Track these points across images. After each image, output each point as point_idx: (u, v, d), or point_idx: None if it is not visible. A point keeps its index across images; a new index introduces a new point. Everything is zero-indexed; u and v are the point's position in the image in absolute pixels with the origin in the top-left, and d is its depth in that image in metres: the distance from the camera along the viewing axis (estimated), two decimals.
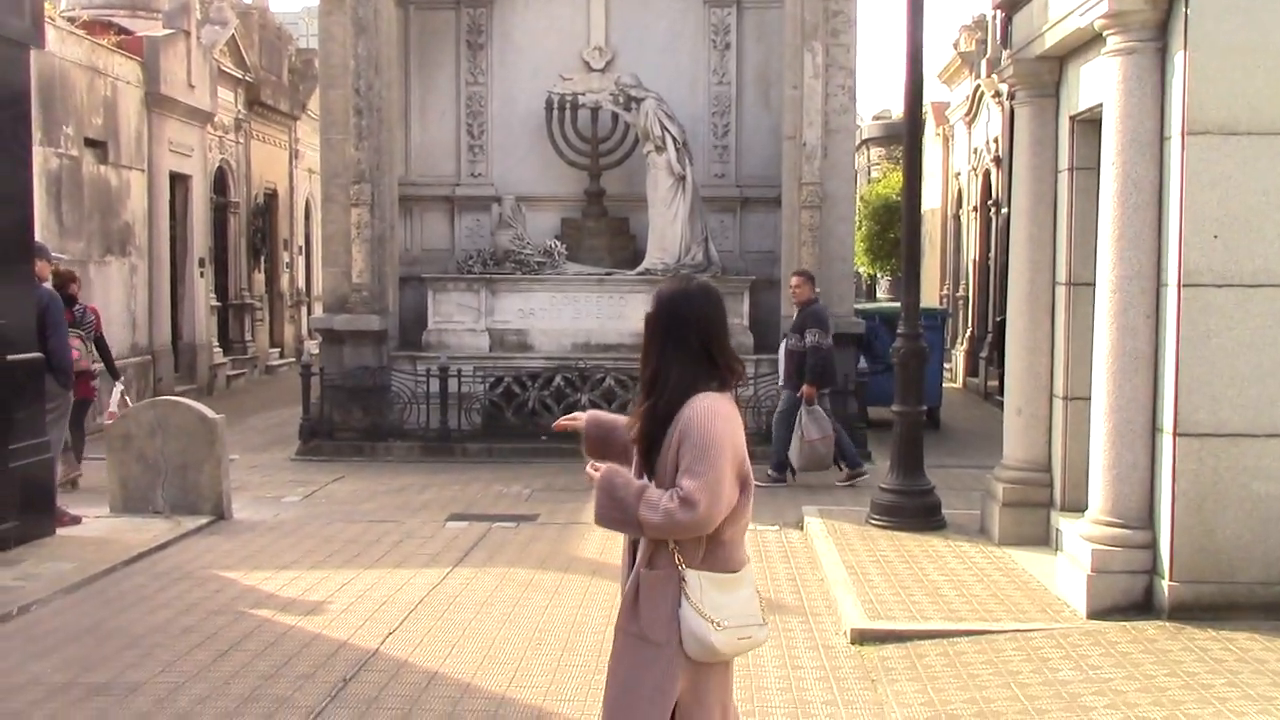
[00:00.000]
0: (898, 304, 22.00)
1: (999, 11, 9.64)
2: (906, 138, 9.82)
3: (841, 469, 11.73)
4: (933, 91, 26.38)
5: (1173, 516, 6.62)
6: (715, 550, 3.51)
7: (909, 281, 9.70)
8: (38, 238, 11.44)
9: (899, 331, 9.66)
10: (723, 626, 3.45)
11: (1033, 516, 8.71)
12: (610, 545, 9.13)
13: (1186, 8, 6.50)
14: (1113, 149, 6.87)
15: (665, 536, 3.45)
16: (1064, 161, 8.48)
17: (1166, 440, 6.67)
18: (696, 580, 3.48)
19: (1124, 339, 6.81)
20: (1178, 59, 6.60)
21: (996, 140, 19.40)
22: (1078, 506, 8.43)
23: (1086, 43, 7.88)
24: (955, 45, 23.21)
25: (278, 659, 6.29)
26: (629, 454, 3.81)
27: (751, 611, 3.55)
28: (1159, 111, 6.77)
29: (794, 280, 11.96)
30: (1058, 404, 8.59)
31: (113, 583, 7.90)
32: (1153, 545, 6.79)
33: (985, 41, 20.95)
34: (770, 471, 11.53)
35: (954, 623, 6.76)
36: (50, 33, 14.12)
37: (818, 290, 12.06)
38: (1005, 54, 9.08)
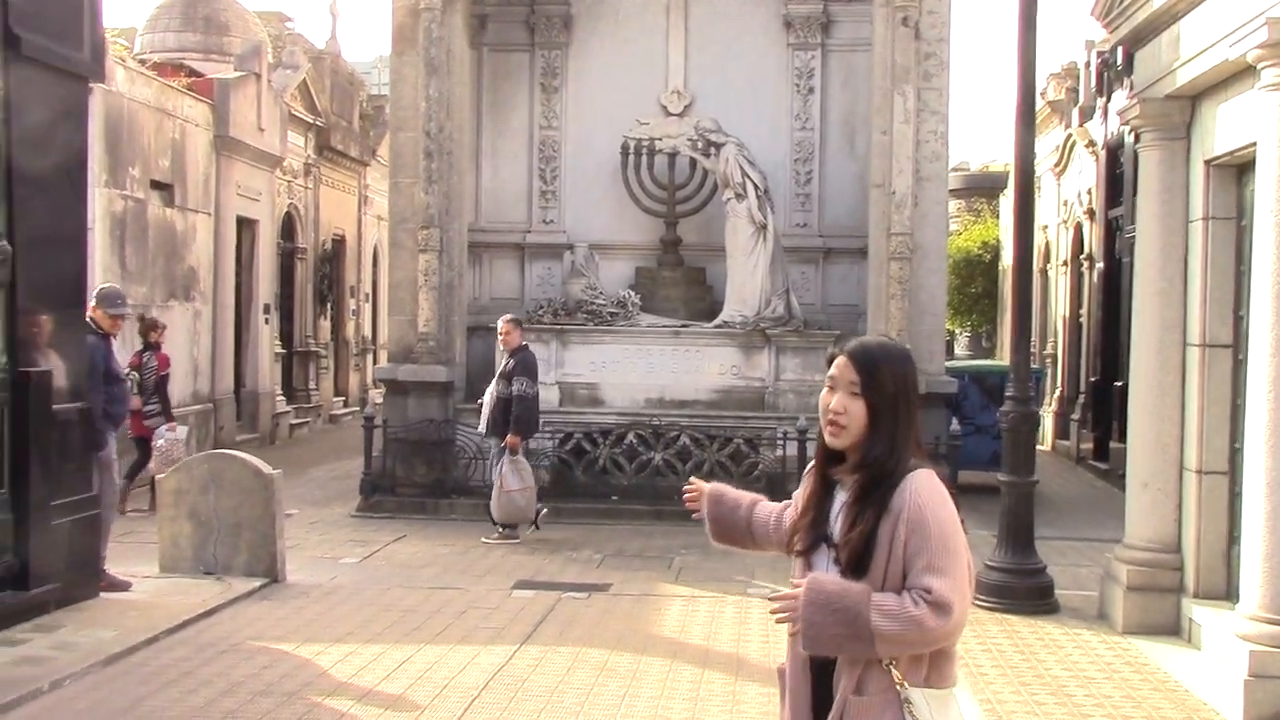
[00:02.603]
0: (988, 362, 21.27)
1: (1120, 49, 8.89)
2: (1017, 187, 9.11)
3: (536, 526, 11.49)
4: None
5: None
6: (939, 663, 2.89)
7: (1019, 340, 8.94)
8: (105, 282, 11.12)
9: (1008, 394, 8.87)
10: None
11: (1161, 603, 7.86)
12: (691, 622, 8.40)
13: None
14: (1272, 196, 6.10)
15: (906, 651, 2.83)
16: (1197, 210, 7.71)
17: None
18: (923, 701, 2.85)
19: None
20: None
21: (1090, 192, 18.54)
22: (1213, 593, 7.62)
23: (1228, 79, 7.13)
24: (1043, 94, 22.39)
25: None
26: (750, 536, 3.31)
27: None
28: None
29: (503, 326, 11.56)
30: (1189, 478, 7.77)
31: (154, 654, 7.30)
32: None
33: (1076, 89, 20.17)
34: (501, 530, 11.38)
35: None
36: (119, 73, 13.88)
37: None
38: (1129, 94, 8.34)
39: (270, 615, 8.35)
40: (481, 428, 11.63)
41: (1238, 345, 7.51)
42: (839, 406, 2.99)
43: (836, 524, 2.98)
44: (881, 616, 2.77)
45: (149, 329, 12.72)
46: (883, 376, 2.96)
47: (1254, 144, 6.87)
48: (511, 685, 6.76)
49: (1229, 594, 7.60)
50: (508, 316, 11.92)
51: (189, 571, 9.29)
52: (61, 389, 8.14)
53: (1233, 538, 7.62)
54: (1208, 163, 7.55)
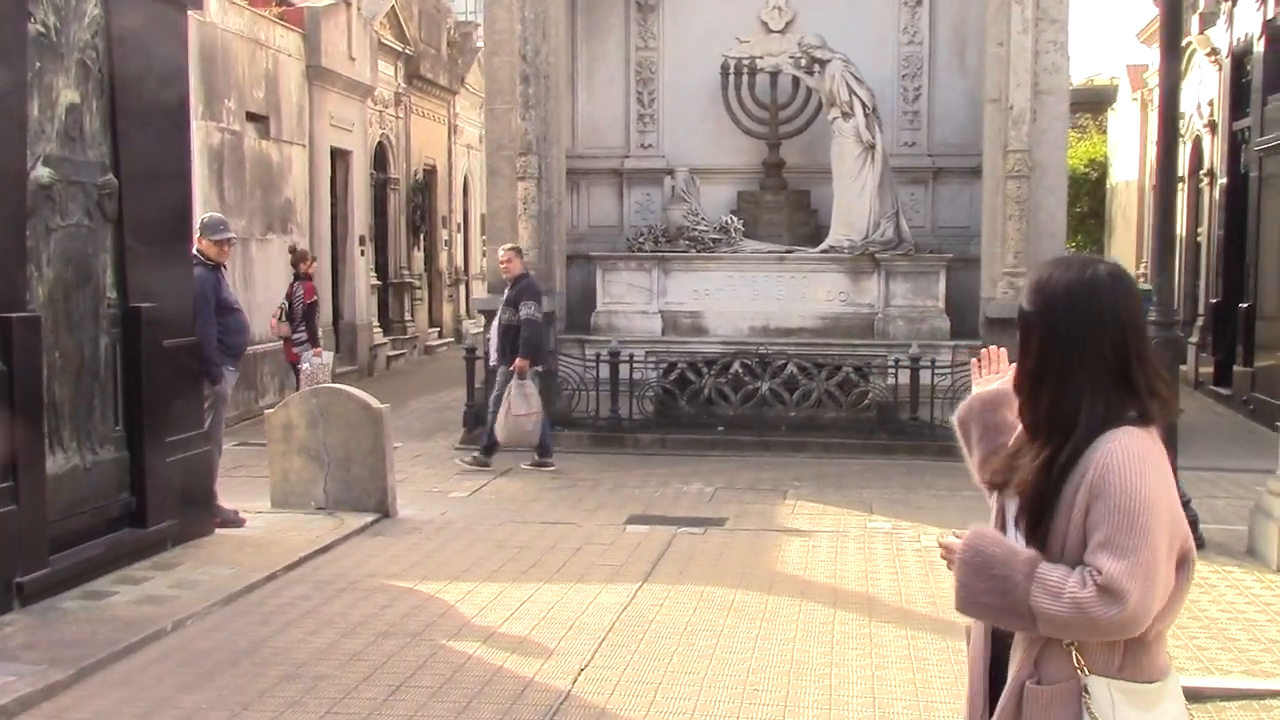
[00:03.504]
0: None
1: None
2: (1163, 88, 8.52)
3: (539, 461, 11.41)
4: (1130, 53, 24.54)
5: None
6: (1135, 651, 2.43)
7: (1161, 262, 8.40)
8: (207, 212, 11.03)
9: (1151, 319, 8.34)
10: None
11: None
12: (814, 559, 8.13)
13: None
14: None
15: (1070, 636, 2.40)
16: None
17: None
18: (1106, 694, 2.40)
19: None
20: None
21: (1211, 103, 17.64)
22: None
23: None
24: (1157, 1, 21.32)
25: (457, 700, 5.44)
26: (987, 454, 2.79)
27: None
28: None
29: (504, 255, 11.58)
30: None
31: (273, 592, 7.20)
32: None
33: None
34: (478, 454, 11.39)
35: (1261, 680, 5.56)
36: (212, 3, 13.68)
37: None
38: None
39: (385, 551, 8.23)
40: (491, 358, 11.58)
41: None
42: None
43: None
44: (1043, 593, 2.34)
45: (299, 259, 13.22)
46: (1031, 295, 2.55)
47: None
48: (639, 626, 6.55)
49: None
50: (508, 245, 11.96)
51: (300, 506, 9.22)
52: (172, 323, 8.01)
53: None
54: None
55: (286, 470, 9.35)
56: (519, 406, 11.08)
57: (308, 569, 7.73)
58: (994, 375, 2.87)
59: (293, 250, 13.63)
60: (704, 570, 7.80)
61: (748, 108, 14.17)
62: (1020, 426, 2.66)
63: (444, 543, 8.55)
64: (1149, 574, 2.31)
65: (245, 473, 10.66)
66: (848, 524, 9.23)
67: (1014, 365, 2.65)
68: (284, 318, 12.73)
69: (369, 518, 9.03)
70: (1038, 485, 2.46)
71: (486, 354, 11.82)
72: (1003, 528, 2.61)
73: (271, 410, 9.73)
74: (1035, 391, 2.53)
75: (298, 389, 12.46)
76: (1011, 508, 2.61)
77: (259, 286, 15.01)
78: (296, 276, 13.00)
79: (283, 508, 9.25)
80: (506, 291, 11.42)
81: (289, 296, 12.89)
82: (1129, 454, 2.38)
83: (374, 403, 9.39)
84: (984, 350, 2.91)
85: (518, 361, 11.09)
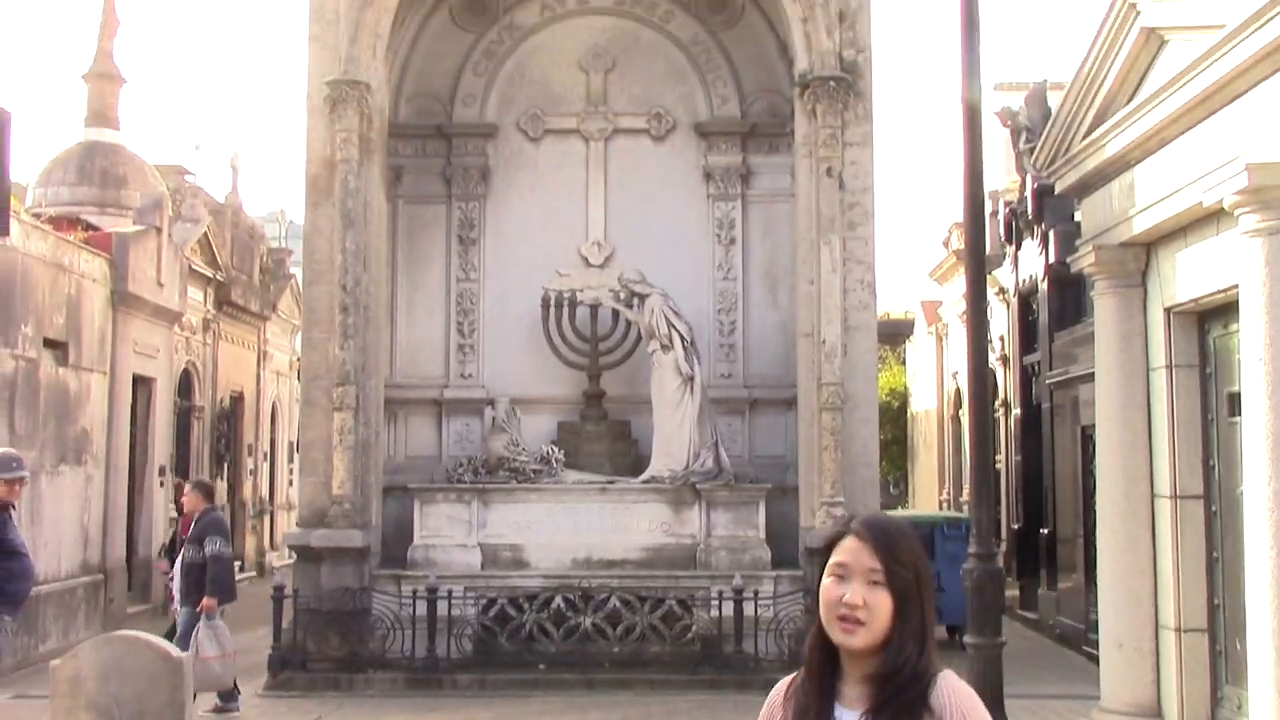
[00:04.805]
0: (918, 513, 21.08)
1: (1031, 197, 8.89)
2: (969, 329, 8.93)
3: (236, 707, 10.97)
4: (924, 290, 26.05)
5: None
6: None
7: (979, 495, 8.63)
8: None
9: (971, 551, 8.50)
10: None
11: None
12: None
13: None
14: (1259, 343, 5.92)
15: None
16: (1159, 358, 7.58)
17: None
18: None
19: None
20: None
21: (1002, 339, 18.72)
22: None
23: (1187, 226, 7.07)
24: (946, 243, 22.86)
25: None
26: None
27: None
28: None
29: (187, 491, 11.62)
30: (1168, 636, 7.46)
31: None
32: None
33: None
34: (218, 702, 10.84)
35: None
36: (14, 228, 13.20)
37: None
38: (1081, 241, 8.27)
39: None
40: (175, 599, 11.18)
41: (1209, 496, 7.31)
42: (856, 599, 2.54)
43: None
44: None
45: (179, 493, 13.38)
46: (905, 559, 2.58)
47: (1219, 291, 6.79)
48: None
49: None
50: (193, 482, 12.04)
51: None
52: None
53: (1216, 698, 7.31)
54: (1168, 310, 7.44)
55: None
56: (207, 648, 10.46)
57: None
58: None
59: (179, 486, 13.60)
60: None
61: (568, 339, 14.30)
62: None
63: None
64: None
65: None
66: None
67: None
68: (163, 554, 12.42)
69: None
70: None
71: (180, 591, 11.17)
72: None
73: (58, 661, 8.89)
74: (918, 649, 2.57)
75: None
76: None
77: (48, 523, 14.05)
78: (179, 511, 12.70)
79: None
80: (191, 528, 11.11)
81: (173, 535, 12.57)
82: (968, 692, 2.55)
83: (174, 651, 8.69)
84: None
85: (205, 600, 10.59)
